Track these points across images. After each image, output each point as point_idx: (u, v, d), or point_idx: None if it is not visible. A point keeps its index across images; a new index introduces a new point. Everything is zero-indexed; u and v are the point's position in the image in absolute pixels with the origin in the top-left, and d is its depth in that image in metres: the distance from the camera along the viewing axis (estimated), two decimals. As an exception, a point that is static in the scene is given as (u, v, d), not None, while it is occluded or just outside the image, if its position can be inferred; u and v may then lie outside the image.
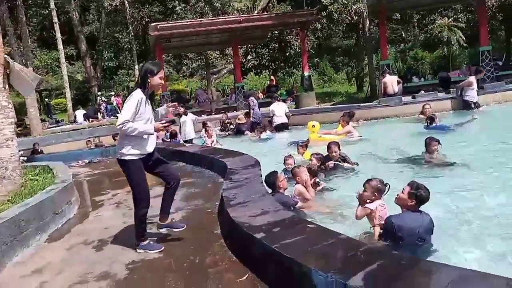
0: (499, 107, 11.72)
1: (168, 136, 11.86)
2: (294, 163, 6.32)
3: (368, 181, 4.17)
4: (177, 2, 25.80)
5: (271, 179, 4.91)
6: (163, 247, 3.78)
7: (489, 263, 3.37)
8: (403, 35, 30.32)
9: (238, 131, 13.32)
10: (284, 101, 16.27)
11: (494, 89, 12.63)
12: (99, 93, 26.28)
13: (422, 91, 14.03)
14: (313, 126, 10.09)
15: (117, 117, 4.06)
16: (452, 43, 19.17)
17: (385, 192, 4.09)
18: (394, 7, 17.43)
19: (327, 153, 6.81)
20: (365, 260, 2.52)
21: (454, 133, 8.96)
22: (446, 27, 19.12)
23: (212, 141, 11.55)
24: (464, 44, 20.00)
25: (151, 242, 3.85)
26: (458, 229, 4.08)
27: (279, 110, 13.00)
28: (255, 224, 3.35)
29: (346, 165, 6.61)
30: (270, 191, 4.75)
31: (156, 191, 6.23)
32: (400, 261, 2.52)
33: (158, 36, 17.56)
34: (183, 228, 3.94)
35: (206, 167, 7.15)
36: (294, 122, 13.24)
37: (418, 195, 3.67)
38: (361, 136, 9.69)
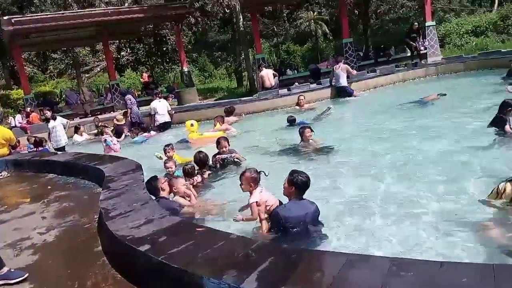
0: (364, 94, 12.89)
1: (32, 147, 10.50)
2: (175, 166, 6.08)
3: (242, 174, 4.25)
4: (35, -9, 23.10)
5: (153, 184, 4.63)
6: (27, 274, 3.25)
7: (375, 242, 3.61)
8: (275, 30, 31.72)
9: (117, 133, 12.22)
10: (165, 98, 15.75)
11: (358, 78, 13.84)
12: None
13: (296, 83, 14.79)
14: (192, 125, 9.77)
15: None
16: (318, 36, 20.57)
17: (260, 180, 4.18)
18: (263, 0, 17.99)
19: (217, 150, 6.69)
20: (257, 259, 2.46)
21: (323, 123, 9.58)
22: (312, 20, 20.42)
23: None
24: (330, 37, 21.61)
25: (12, 270, 3.30)
26: (341, 212, 4.31)
27: (161, 108, 12.45)
28: (138, 235, 3.08)
29: (234, 155, 6.57)
30: (154, 197, 4.48)
31: (25, 209, 5.49)
32: (291, 255, 2.51)
33: (13, 32, 15.47)
34: (24, 277, 3.24)
35: (81, 176, 6.50)
36: (177, 120, 12.86)
37: (295, 181, 3.77)
38: (240, 132, 9.70)
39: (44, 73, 32.23)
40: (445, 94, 9.98)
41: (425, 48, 17.03)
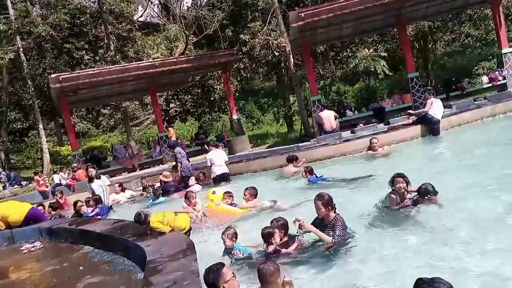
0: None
1: (89, 213, 9.13)
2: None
3: None
4: (84, 51, 23.35)
5: (211, 278, 3.13)
6: None
7: None
8: (321, 72, 30.56)
9: (164, 192, 10.61)
10: (215, 147, 14.52)
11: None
12: None
13: (361, 125, 13.18)
14: (213, 192, 8.05)
15: None
16: (378, 72, 19.10)
17: None
18: (316, 39, 16.88)
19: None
20: None
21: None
22: (369, 57, 19.05)
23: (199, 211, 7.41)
24: (389, 73, 20.13)
25: None
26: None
27: (218, 159, 11.05)
28: None
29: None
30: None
31: None
32: None
33: (60, 89, 15.18)
34: None
35: (120, 253, 5.16)
36: (232, 171, 11.52)
37: None
38: (272, 205, 7.22)
39: (97, 128, 32.61)
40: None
41: (504, 78, 15.14)
